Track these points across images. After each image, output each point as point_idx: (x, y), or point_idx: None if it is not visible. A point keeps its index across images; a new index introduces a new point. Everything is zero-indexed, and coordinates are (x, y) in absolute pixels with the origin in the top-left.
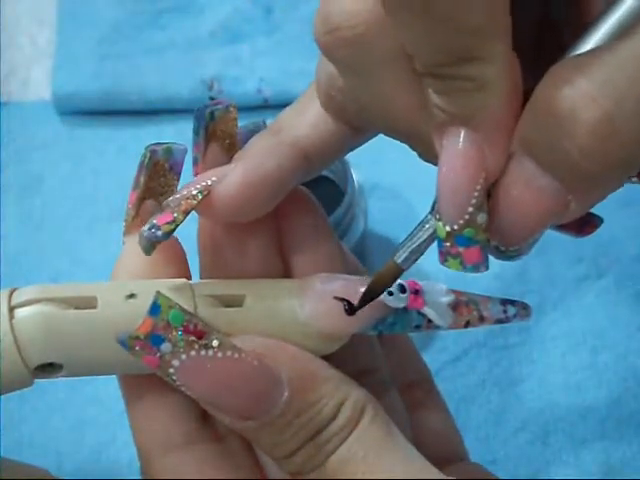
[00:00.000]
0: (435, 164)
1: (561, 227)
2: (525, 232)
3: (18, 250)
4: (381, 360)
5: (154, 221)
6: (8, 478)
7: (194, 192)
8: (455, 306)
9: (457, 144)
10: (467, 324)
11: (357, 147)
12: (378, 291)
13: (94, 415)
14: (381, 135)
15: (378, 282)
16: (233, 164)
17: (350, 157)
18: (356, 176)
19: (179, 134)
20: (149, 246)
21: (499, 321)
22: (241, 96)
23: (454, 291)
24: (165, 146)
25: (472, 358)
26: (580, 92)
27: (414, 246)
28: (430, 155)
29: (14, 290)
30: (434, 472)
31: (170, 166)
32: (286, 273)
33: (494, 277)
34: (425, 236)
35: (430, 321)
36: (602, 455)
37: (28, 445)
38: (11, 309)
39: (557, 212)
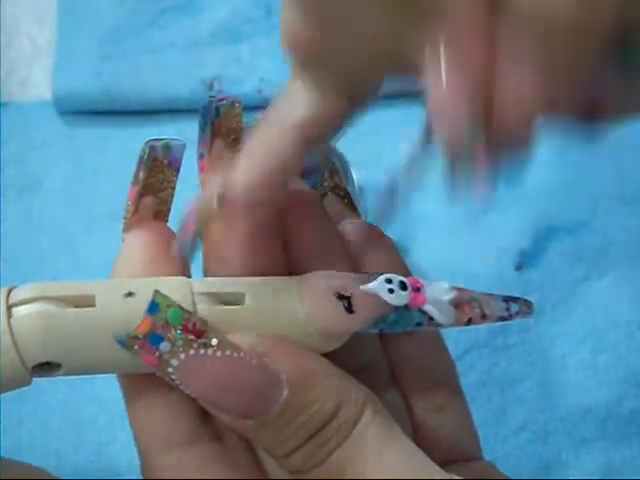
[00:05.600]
0: None
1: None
2: (524, 111)
3: (18, 250)
4: (381, 357)
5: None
6: (7, 478)
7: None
8: (457, 303)
9: (438, 67)
10: (469, 322)
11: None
12: None
13: (93, 415)
14: (381, 135)
15: None
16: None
17: (350, 157)
18: (356, 176)
19: (179, 134)
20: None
21: (502, 318)
22: (241, 96)
23: (456, 288)
24: (163, 142)
25: (472, 358)
26: None
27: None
28: None
29: (12, 288)
30: (436, 469)
31: (169, 162)
32: (289, 272)
33: (494, 276)
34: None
35: (432, 319)
36: (602, 455)
37: (28, 445)
38: (9, 308)
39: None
